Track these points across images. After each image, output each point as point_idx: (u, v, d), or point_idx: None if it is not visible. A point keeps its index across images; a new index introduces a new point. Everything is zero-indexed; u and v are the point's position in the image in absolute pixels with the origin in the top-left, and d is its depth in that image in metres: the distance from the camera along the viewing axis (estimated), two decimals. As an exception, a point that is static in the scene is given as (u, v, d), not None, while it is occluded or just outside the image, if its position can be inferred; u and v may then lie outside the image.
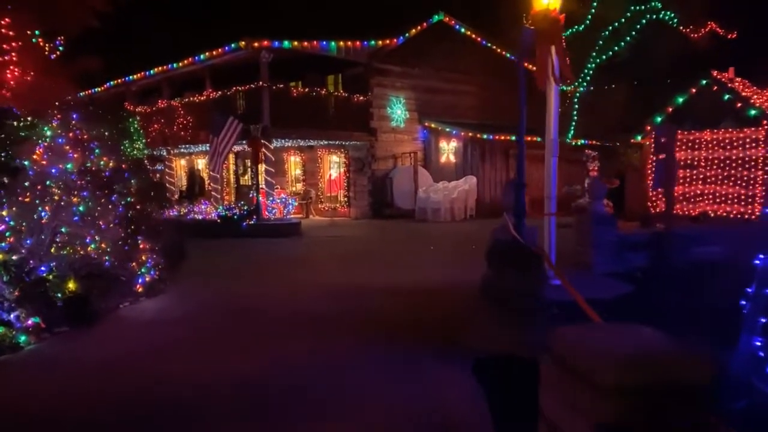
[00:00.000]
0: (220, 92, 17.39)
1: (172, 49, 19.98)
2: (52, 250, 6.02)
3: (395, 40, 18.49)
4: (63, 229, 6.30)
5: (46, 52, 7.82)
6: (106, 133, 8.08)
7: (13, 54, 6.26)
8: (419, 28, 18.88)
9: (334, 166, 20.09)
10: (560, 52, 6.23)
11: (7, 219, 6.13)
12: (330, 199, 19.88)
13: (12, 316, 5.07)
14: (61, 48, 8.26)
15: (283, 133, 16.65)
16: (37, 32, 7.77)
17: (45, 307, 5.44)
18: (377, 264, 9.79)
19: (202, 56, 17.34)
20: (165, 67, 19.16)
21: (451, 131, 19.04)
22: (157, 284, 7.05)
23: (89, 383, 4.44)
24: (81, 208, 6.07)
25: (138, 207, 6.90)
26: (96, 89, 23.63)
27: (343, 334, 5.44)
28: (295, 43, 16.33)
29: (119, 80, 21.96)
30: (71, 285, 5.70)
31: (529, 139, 18.76)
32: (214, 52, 16.88)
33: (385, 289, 7.40)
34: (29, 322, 5.19)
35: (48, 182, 6.03)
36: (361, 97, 18.15)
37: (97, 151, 6.67)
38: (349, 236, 14.02)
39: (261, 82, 15.97)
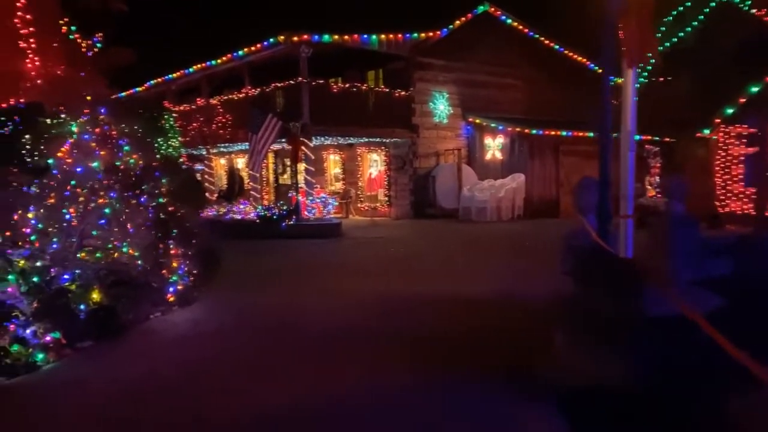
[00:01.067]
0: (258, 89, 16.97)
1: (210, 46, 19.73)
2: (79, 255, 5.54)
3: (438, 33, 17.72)
4: (93, 233, 5.84)
5: (83, 49, 7.49)
6: (139, 129, 7.64)
7: (33, 44, 5.80)
8: (463, 19, 18.07)
9: (374, 164, 19.46)
10: (647, 22, 5.32)
11: (33, 222, 5.69)
12: (370, 199, 19.26)
13: (28, 332, 4.57)
14: (99, 45, 7.93)
15: (323, 131, 16.10)
16: (73, 27, 7.43)
17: (67, 319, 4.95)
18: (424, 269, 9.08)
19: (240, 52, 16.95)
20: (204, 64, 18.89)
21: (497, 127, 18.15)
22: (190, 292, 6.52)
23: (108, 412, 3.88)
24: (107, 210, 5.57)
25: (170, 209, 6.37)
26: (137, 89, 23.68)
27: (393, 358, 4.75)
28: (336, 36, 15.74)
29: (160, 79, 21.87)
30: (96, 295, 5.19)
31: (580, 134, 17.72)
32: (253, 48, 16.46)
33: (435, 300, 6.68)
34: (48, 338, 4.69)
35: (73, 182, 5.54)
36: (403, 93, 17.45)
37: (126, 148, 6.18)
38: (391, 238, 13.34)
39: (300, 78, 15.44)
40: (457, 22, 17.93)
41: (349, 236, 13.68)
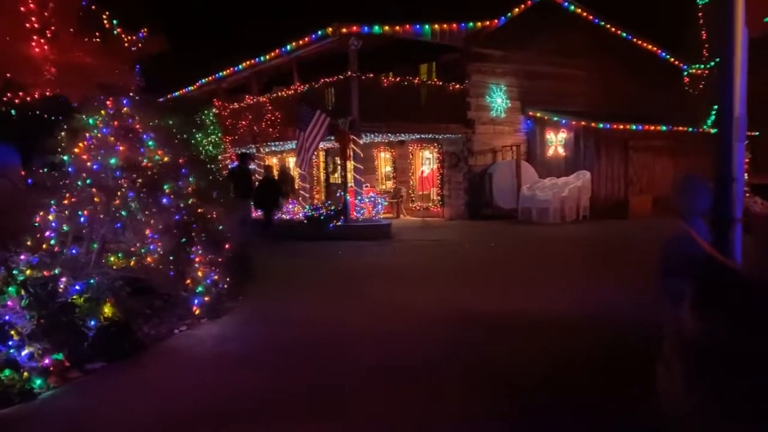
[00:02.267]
0: (307, 85, 16.38)
1: (259, 42, 19.32)
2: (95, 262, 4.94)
3: (495, 21, 16.63)
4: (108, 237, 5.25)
5: (126, 44, 7.07)
6: (169, 122, 7.06)
7: (39, 25, 5.25)
8: (523, 6, 16.90)
9: (426, 162, 18.55)
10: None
11: (53, 224, 5.15)
12: (422, 198, 18.37)
13: (24, 353, 3.97)
14: (143, 40, 7.50)
15: (372, 127, 15.33)
16: (115, 21, 6.98)
17: (73, 337, 4.34)
18: (485, 278, 8.09)
19: (288, 47, 16.41)
20: (252, 61, 18.51)
21: (560, 120, 16.88)
22: (220, 303, 5.85)
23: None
24: (123, 213, 4.95)
25: (198, 211, 5.72)
26: (189, 87, 23.69)
27: (455, 396, 3.87)
28: (386, 27, 14.93)
29: (210, 78, 21.72)
30: (108, 309, 4.57)
31: (651, 128, 16.15)
32: (301, 42, 15.88)
33: (501, 318, 5.74)
34: (46, 360, 4.07)
35: (89, 180, 4.95)
36: (457, 86, 16.45)
37: (150, 143, 5.55)
38: (445, 240, 12.41)
39: (349, 72, 14.72)
40: (516, 9, 16.78)
41: (399, 238, 12.85)
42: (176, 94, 23.47)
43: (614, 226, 14.32)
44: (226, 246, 6.22)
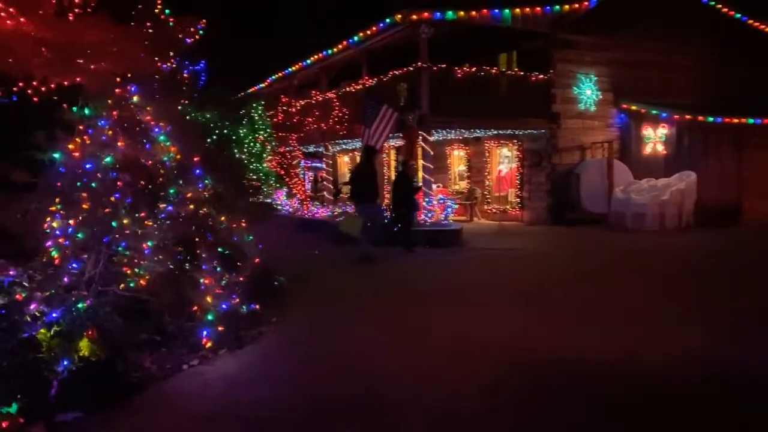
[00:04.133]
0: (375, 79, 15.31)
1: (328, 36, 18.43)
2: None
3: (586, 3, 14.79)
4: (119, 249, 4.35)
5: (180, 36, 6.39)
6: (209, 119, 6.18)
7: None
8: (617, -15, 14.97)
9: (504, 160, 16.98)
10: None
11: (57, 232, 4.32)
12: (498, 200, 16.81)
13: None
14: (201, 32, 6.81)
15: (444, 122, 14.00)
16: (167, 11, 6.26)
17: (36, 384, 3.42)
18: (577, 306, 6.45)
19: (356, 38, 15.39)
20: (320, 54, 17.68)
21: (660, 114, 14.81)
22: (239, 332, 4.81)
23: None
24: (114, 223, 4.01)
25: (210, 221, 4.72)
26: (260, 85, 23.35)
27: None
28: (461, 13, 13.52)
29: (280, 74, 21.20)
30: (84, 345, 3.63)
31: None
32: (368, 32, 14.80)
33: (608, 369, 4.32)
34: (-13, 418, 3.18)
35: (78, 183, 4.05)
36: (541, 76, 14.76)
37: (162, 137, 4.60)
38: (525, 250, 10.89)
39: (419, 63, 13.47)
40: (610, -11, 14.89)
41: (471, 245, 11.47)
42: (249, 91, 23.19)
43: (726, 235, 12.23)
44: (256, 260, 5.19)
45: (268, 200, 16.30)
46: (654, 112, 14.92)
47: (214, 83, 7.58)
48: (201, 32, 7.05)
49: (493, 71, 14.64)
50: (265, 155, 8.36)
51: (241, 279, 5.00)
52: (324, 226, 14.79)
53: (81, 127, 4.21)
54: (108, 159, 4.19)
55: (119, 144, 4.24)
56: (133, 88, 4.61)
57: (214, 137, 6.61)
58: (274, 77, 21.88)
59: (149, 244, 4.07)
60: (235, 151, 6.90)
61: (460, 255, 10.56)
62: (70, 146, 4.22)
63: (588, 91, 15.47)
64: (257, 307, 5.15)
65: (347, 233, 10.35)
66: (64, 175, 4.15)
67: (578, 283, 7.77)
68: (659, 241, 11.68)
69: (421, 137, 13.41)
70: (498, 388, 4.06)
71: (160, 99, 4.84)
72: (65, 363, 3.56)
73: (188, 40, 6.81)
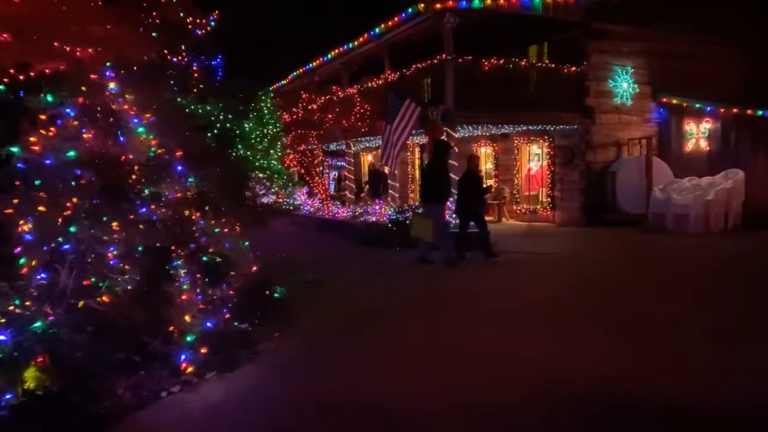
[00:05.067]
0: (398, 73, 14.62)
1: (349, 30, 17.84)
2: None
3: (622, -10, 13.86)
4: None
5: (189, 26, 5.96)
6: (209, 110, 5.61)
7: None
8: (657, -29, 13.97)
9: (534, 157, 16.11)
10: None
11: (27, 237, 3.76)
12: (528, 199, 15.96)
13: None
14: (213, 23, 6.35)
15: (470, 118, 13.23)
16: None
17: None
18: (614, 321, 5.65)
19: (377, 30, 14.72)
20: (341, 49, 17.07)
21: (703, 108, 13.79)
22: (226, 354, 4.18)
23: None
24: (72, 228, 3.42)
25: (193, 227, 4.10)
26: (282, 82, 22.90)
27: None
28: (488, 1, 12.74)
29: (301, 70, 20.69)
30: (31, 374, 3.05)
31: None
32: (390, 23, 14.12)
33: (663, 400, 3.59)
34: None
35: (37, 181, 3.47)
36: (573, 69, 13.87)
37: (141, 129, 4.01)
38: (557, 254, 10.07)
39: (444, 55, 12.73)
40: (648, -25, 13.91)
41: (498, 248, 10.68)
42: (271, 88, 22.75)
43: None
44: (253, 269, 4.56)
45: (287, 200, 15.76)
46: (697, 105, 13.89)
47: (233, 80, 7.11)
48: (213, 24, 6.55)
49: (523, 63, 13.81)
50: (273, 151, 7.76)
51: (231, 293, 4.39)
52: (344, 227, 14.20)
53: (43, 117, 3.64)
54: (70, 153, 3.61)
55: (85, 136, 3.67)
56: (108, 73, 4.02)
57: (215, 131, 6.05)
58: (295, 74, 21.40)
59: (114, 252, 3.49)
60: (239, 146, 6.28)
61: (488, 259, 9.78)
62: (32, 139, 3.65)
63: (624, 84, 14.52)
64: (251, 324, 4.52)
65: (418, 237, 9.70)
66: (24, 173, 3.58)
67: (616, 294, 6.93)
68: (705, 245, 10.72)
69: (445, 133, 12.68)
70: (534, 415, 3.34)
71: (143, 86, 4.25)
72: (7, 397, 2.98)
73: (198, 32, 6.32)
